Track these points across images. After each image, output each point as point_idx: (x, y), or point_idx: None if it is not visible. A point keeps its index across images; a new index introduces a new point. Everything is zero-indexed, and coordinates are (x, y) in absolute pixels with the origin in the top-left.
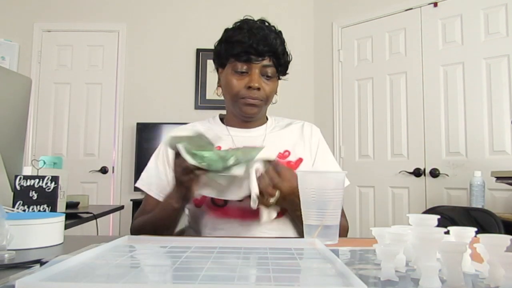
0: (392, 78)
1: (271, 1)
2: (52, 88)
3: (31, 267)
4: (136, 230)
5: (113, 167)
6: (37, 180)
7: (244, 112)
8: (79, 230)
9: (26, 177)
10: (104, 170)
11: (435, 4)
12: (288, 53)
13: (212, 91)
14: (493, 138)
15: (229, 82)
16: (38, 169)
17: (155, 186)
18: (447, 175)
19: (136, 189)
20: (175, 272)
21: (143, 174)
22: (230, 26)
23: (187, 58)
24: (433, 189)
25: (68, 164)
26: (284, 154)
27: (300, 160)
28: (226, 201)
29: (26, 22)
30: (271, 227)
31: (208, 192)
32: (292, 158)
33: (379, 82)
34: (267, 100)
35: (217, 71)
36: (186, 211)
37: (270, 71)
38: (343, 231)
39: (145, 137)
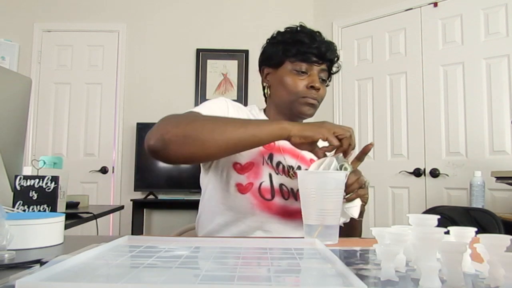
0: (392, 78)
1: (271, 1)
2: (52, 88)
3: (31, 267)
4: (181, 133)
5: (113, 167)
6: (37, 180)
7: (302, 112)
8: (79, 230)
9: (26, 177)
10: (104, 170)
11: (435, 4)
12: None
13: (212, 91)
14: (493, 138)
15: (289, 81)
16: (38, 169)
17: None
18: (447, 175)
19: (136, 189)
20: (175, 272)
21: (201, 108)
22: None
23: (187, 58)
24: (433, 189)
25: (68, 164)
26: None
27: None
28: (273, 196)
29: (26, 22)
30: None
31: None
32: None
33: (379, 82)
34: (320, 102)
35: (263, 72)
36: (218, 197)
37: (324, 75)
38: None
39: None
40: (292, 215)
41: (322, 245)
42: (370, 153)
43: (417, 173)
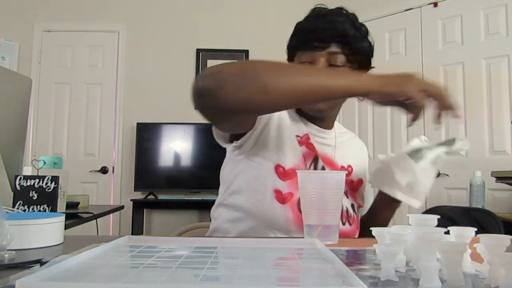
0: None
1: (271, 1)
2: (52, 88)
3: (31, 267)
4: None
5: (113, 167)
6: (37, 180)
7: (311, 109)
8: (79, 230)
9: (26, 177)
10: (104, 170)
11: (435, 4)
12: (369, 40)
13: None
14: (493, 138)
15: None
16: (38, 169)
17: None
18: (447, 175)
19: (136, 189)
20: (175, 272)
21: None
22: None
23: (187, 58)
24: (433, 189)
25: (68, 164)
26: (348, 169)
27: (360, 182)
28: None
29: (26, 22)
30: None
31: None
32: (354, 177)
33: None
34: None
35: None
36: (248, 197)
37: (339, 59)
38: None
39: (145, 137)
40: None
41: (322, 245)
42: (370, 153)
43: None
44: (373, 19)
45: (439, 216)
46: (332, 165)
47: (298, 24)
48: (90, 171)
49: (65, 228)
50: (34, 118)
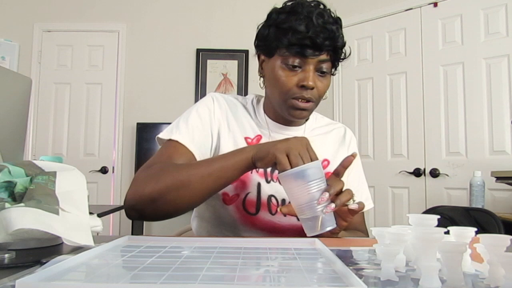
0: (392, 78)
1: (271, 1)
2: (52, 88)
3: (31, 267)
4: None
5: (113, 167)
6: None
7: (292, 115)
8: None
9: None
10: (104, 170)
11: (435, 4)
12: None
13: (212, 91)
14: (493, 138)
15: (278, 77)
16: None
17: (198, 143)
18: (447, 175)
19: None
20: (175, 272)
21: (182, 127)
22: (279, 5)
23: (187, 58)
24: (433, 189)
25: (68, 164)
26: (323, 164)
27: None
28: (258, 210)
29: (26, 22)
30: None
31: None
32: (330, 169)
33: (379, 82)
34: (319, 100)
35: (258, 58)
36: (206, 202)
37: (325, 66)
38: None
39: (145, 137)
40: (279, 232)
41: (322, 245)
42: (370, 153)
43: (417, 173)
44: (373, 19)
45: (439, 216)
46: None
47: (285, 19)
48: (90, 171)
49: None
50: (34, 118)
